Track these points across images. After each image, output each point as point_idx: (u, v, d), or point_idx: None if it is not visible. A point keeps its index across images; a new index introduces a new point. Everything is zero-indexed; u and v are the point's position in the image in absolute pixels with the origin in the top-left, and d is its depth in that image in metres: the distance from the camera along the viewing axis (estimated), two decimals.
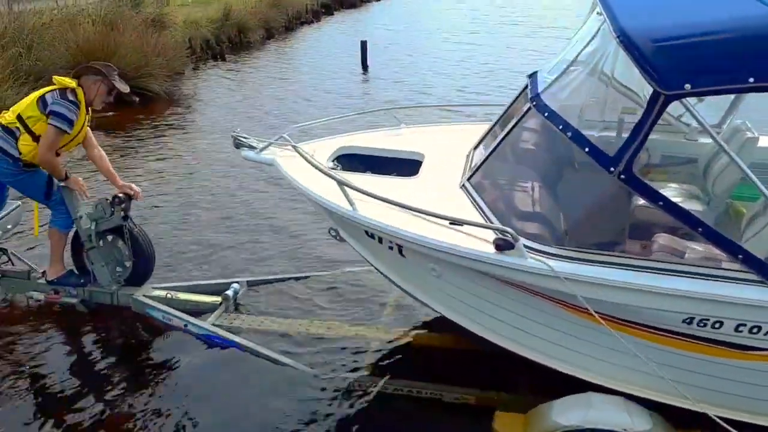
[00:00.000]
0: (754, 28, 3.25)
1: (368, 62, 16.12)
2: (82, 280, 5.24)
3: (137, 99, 13.33)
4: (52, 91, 4.70)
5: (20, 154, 4.70)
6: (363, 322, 5.14)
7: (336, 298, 5.50)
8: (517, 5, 22.89)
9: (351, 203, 4.01)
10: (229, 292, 5.26)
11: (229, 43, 19.34)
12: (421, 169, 4.62)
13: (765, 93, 3.20)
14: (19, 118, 4.66)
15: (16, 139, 4.68)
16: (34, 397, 4.44)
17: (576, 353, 3.84)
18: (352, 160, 4.91)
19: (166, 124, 11.87)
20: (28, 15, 13.28)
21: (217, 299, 5.25)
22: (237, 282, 5.43)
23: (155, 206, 7.61)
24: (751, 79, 3.09)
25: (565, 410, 3.68)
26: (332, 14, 26.52)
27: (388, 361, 4.73)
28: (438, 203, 3.94)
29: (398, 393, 4.38)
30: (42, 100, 4.65)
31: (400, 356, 4.80)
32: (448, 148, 4.85)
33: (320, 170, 4.22)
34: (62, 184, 4.96)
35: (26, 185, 4.92)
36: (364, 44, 16.19)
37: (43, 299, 5.27)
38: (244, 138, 4.88)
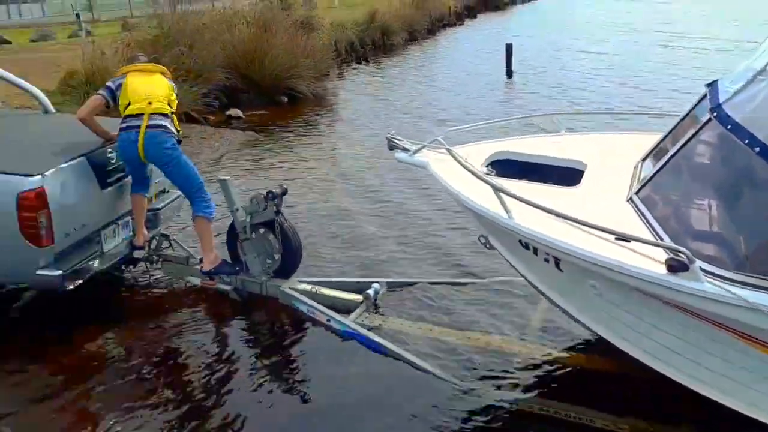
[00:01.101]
0: None
1: (513, 66, 15.80)
2: (236, 268, 5.48)
3: (286, 99, 13.92)
4: (165, 75, 5.38)
5: (178, 132, 5.19)
6: (507, 335, 4.95)
7: (479, 307, 5.35)
8: (676, 13, 21.57)
9: (507, 210, 3.87)
10: (370, 292, 5.28)
11: (372, 45, 19.74)
12: (582, 179, 4.39)
13: None
14: (170, 104, 5.19)
15: (172, 120, 5.16)
16: (178, 377, 4.65)
17: (754, 391, 3.46)
18: (507, 166, 4.76)
19: (312, 124, 12.28)
20: (190, 16, 14.17)
21: (358, 297, 5.29)
22: (378, 282, 5.44)
23: (301, 203, 7.84)
24: None
25: None
26: (475, 17, 26.33)
27: (532, 379, 4.52)
28: (602, 216, 3.70)
29: (543, 413, 4.15)
30: (171, 85, 5.33)
31: (547, 375, 4.57)
32: (613, 158, 4.58)
33: (475, 175, 4.11)
34: (222, 177, 5.20)
35: (181, 166, 5.15)
36: (509, 47, 15.89)
37: (199, 284, 5.57)
38: (398, 140, 4.89)
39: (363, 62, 18.42)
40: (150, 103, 5.03)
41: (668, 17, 20.08)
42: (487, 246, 4.45)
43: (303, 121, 12.43)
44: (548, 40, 18.73)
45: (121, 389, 4.45)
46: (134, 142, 4.99)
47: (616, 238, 3.52)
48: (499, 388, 4.40)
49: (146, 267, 5.83)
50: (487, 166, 4.77)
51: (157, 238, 5.77)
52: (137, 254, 5.65)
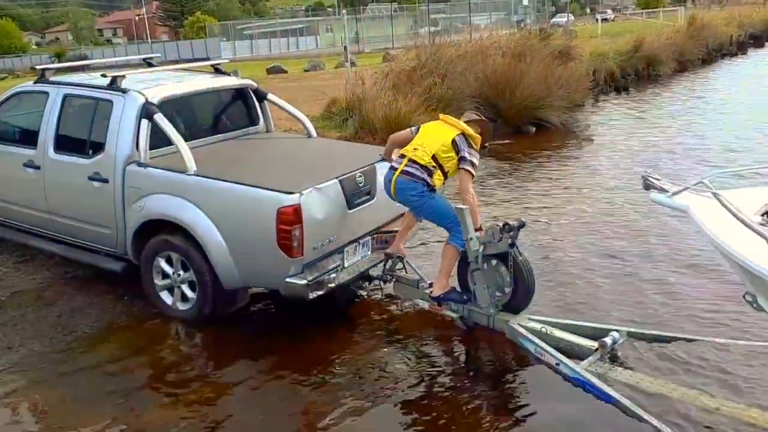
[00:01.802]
0: None
1: None
2: (464, 297, 5.42)
3: (533, 129, 13.70)
4: (459, 135, 5.28)
5: (434, 186, 5.29)
6: (761, 408, 4.21)
7: (730, 372, 4.63)
8: None
9: None
10: (608, 340, 4.83)
11: (635, 75, 18.65)
12: None
13: None
14: (434, 158, 5.24)
15: (431, 174, 5.25)
16: (390, 390, 4.70)
17: None
18: None
19: (558, 156, 11.89)
20: (446, 47, 14.67)
21: (594, 344, 4.87)
22: (617, 330, 4.97)
23: (538, 237, 7.56)
24: None
25: None
26: (762, 46, 23.53)
27: None
28: None
29: None
30: (454, 144, 5.24)
31: None
32: None
33: (746, 224, 3.55)
34: (460, 206, 5.18)
35: (431, 207, 5.35)
36: None
37: (427, 307, 5.60)
38: (656, 179, 4.45)
39: (623, 92, 17.44)
40: (415, 149, 5.31)
41: None
42: (754, 305, 3.84)
43: (549, 153, 12.08)
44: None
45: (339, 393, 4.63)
46: (389, 182, 5.35)
47: None
48: None
49: (380, 285, 6.02)
50: (762, 215, 4.11)
51: (393, 259, 5.95)
52: (373, 272, 5.88)
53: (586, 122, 14.46)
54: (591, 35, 22.12)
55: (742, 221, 3.60)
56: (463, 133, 5.30)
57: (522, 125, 13.63)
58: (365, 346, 5.36)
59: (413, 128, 5.64)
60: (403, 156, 5.38)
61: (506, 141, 12.67)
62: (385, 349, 5.28)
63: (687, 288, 6.15)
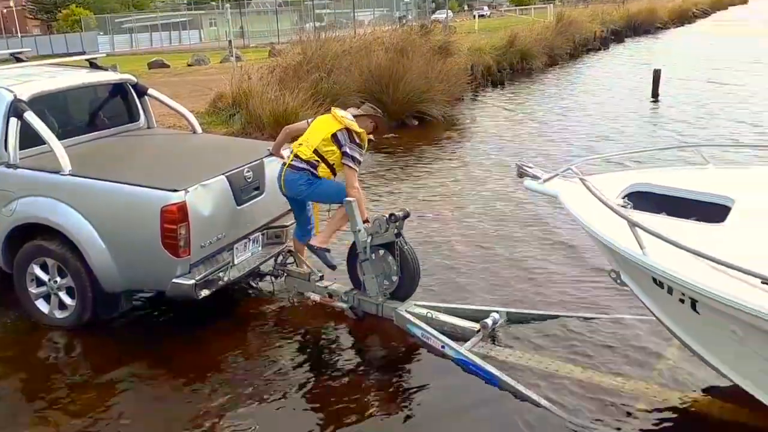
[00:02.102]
0: None
1: (660, 93, 14.95)
2: (332, 263, 5.72)
3: (416, 122, 14.07)
4: (341, 130, 5.41)
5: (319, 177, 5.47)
6: (630, 377, 4.62)
7: (602, 345, 5.03)
8: None
9: (641, 246, 3.61)
10: (489, 321, 5.12)
11: (510, 69, 19.53)
12: (729, 216, 4.02)
13: None
14: (316, 152, 5.40)
15: (315, 167, 5.43)
16: (280, 395, 4.67)
17: None
18: (645, 199, 4.46)
19: (441, 147, 12.30)
20: (331, 42, 14.76)
21: (476, 326, 5.14)
22: (497, 311, 5.27)
23: (420, 226, 7.82)
24: None
25: None
26: (623, 41, 25.34)
27: (653, 423, 4.18)
28: (749, 257, 3.34)
29: None
30: (335, 139, 5.39)
31: (674, 423, 4.20)
32: (765, 194, 4.15)
33: (609, 207, 3.88)
34: (348, 199, 5.29)
35: (321, 189, 5.50)
36: (657, 73, 15.06)
37: (318, 300, 5.68)
38: (529, 167, 4.75)
39: (499, 86, 18.24)
40: (300, 144, 5.49)
41: None
42: (618, 281, 4.21)
43: (431, 144, 12.47)
44: (700, 67, 17.57)
45: (237, 392, 4.61)
46: (279, 177, 5.54)
47: (762, 282, 3.19)
48: (618, 429, 4.09)
49: (271, 281, 6.02)
50: (623, 198, 4.50)
51: (283, 253, 5.97)
52: (264, 268, 5.88)
53: (465, 114, 15.02)
54: (469, 31, 22.93)
55: (605, 204, 3.92)
56: (347, 129, 5.42)
57: (405, 119, 13.97)
58: (257, 343, 5.36)
59: (309, 120, 5.75)
60: (290, 154, 5.52)
61: (391, 134, 12.94)
62: (278, 344, 5.30)
63: (561, 268, 6.60)
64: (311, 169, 5.40)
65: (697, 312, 3.58)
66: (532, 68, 20.06)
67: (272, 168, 5.69)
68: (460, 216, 8.32)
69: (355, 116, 5.60)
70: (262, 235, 5.84)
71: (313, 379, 4.80)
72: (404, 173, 10.42)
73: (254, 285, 6.09)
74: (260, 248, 5.83)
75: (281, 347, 5.25)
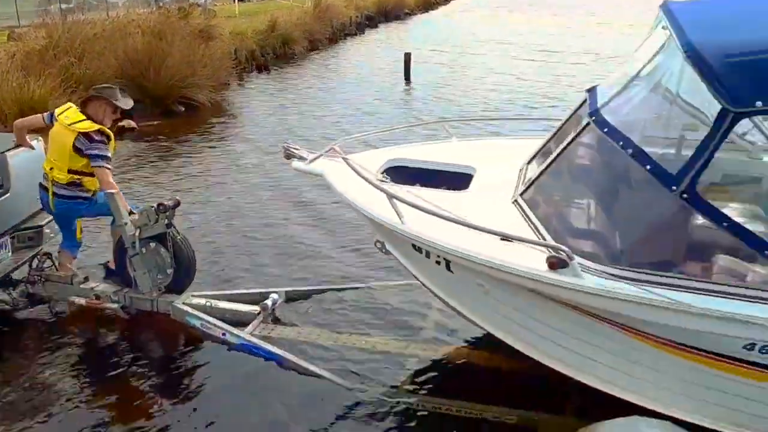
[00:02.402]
0: None
1: (411, 75, 16.09)
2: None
3: (183, 109, 13.54)
4: (77, 138, 5.04)
5: (91, 192, 5.22)
6: (403, 338, 5.03)
7: (375, 312, 5.40)
8: (564, 21, 22.61)
9: (399, 216, 3.92)
10: (268, 302, 5.21)
11: (273, 54, 19.56)
12: (472, 183, 4.52)
13: None
14: (72, 171, 5.10)
15: (79, 185, 5.16)
16: (64, 402, 4.41)
17: (627, 376, 3.68)
18: (401, 173, 4.83)
19: (209, 134, 12.00)
20: (80, 25, 13.63)
21: (256, 309, 5.20)
22: (276, 292, 5.38)
23: (192, 214, 7.63)
24: None
25: None
26: (377, 26, 26.67)
27: (427, 378, 4.61)
28: (489, 218, 3.82)
29: (436, 411, 4.25)
30: (77, 150, 5.05)
31: (441, 374, 4.67)
32: (500, 163, 4.73)
33: (369, 182, 4.15)
34: (110, 191, 4.99)
35: (98, 208, 5.30)
36: (407, 56, 16.18)
37: (84, 303, 5.29)
38: (295, 149, 4.87)
39: (264, 71, 18.20)
40: (52, 169, 5.11)
41: (550, 30, 21.03)
42: (384, 251, 4.50)
43: (199, 131, 12.12)
44: (445, 50, 19.23)
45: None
46: (47, 204, 5.25)
47: (501, 239, 3.65)
48: (396, 390, 4.45)
49: (26, 288, 5.46)
50: (382, 173, 4.82)
51: (39, 256, 5.45)
52: (18, 275, 5.33)
53: (232, 99, 14.80)
54: (229, 15, 22.48)
55: (366, 180, 4.18)
56: (81, 133, 5.04)
57: (171, 105, 13.36)
58: (19, 360, 4.86)
59: (47, 114, 5.27)
60: (46, 176, 5.16)
61: (155, 122, 12.32)
62: (41, 361, 4.83)
63: (332, 243, 6.88)
64: (80, 193, 5.13)
65: (451, 271, 3.99)
66: (294, 53, 20.32)
67: (18, 162, 5.16)
68: (228, 202, 8.24)
69: (84, 102, 5.23)
70: (12, 238, 5.28)
71: (84, 390, 4.51)
72: (166, 162, 10.01)
73: (8, 296, 5.47)
74: (10, 253, 5.26)
75: (46, 365, 4.79)
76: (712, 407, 3.57)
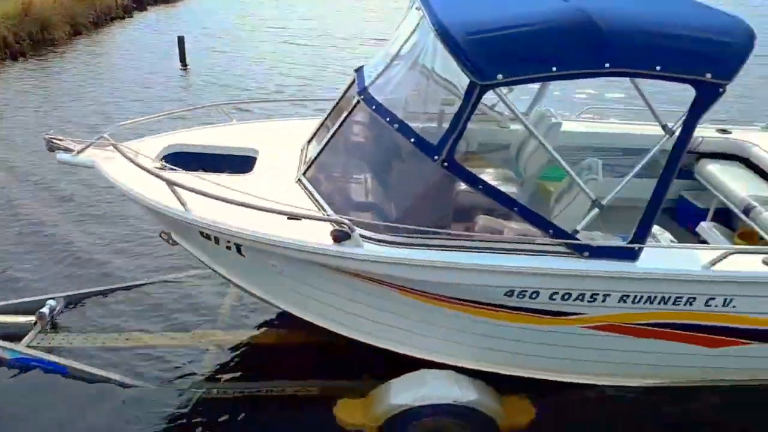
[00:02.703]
0: (555, 22, 3.56)
1: (187, 59, 15.50)
2: None
3: None
4: None
5: None
6: (197, 328, 4.96)
7: (164, 307, 5.24)
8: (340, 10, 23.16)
9: (183, 203, 3.85)
10: (45, 310, 4.82)
11: (30, 41, 17.64)
12: (255, 165, 4.55)
13: (566, 80, 3.56)
14: None
15: None
16: None
17: (409, 333, 4.03)
18: (181, 159, 4.70)
19: None
20: None
21: (32, 318, 4.79)
22: (53, 298, 4.98)
23: None
24: (554, 68, 3.41)
25: (401, 390, 3.88)
26: (145, 9, 25.15)
27: (227, 365, 4.63)
28: (275, 199, 3.90)
29: (238, 396, 4.30)
30: None
31: (240, 359, 4.71)
32: (282, 143, 4.81)
33: (146, 170, 4.00)
34: None
35: None
36: (181, 40, 15.51)
37: None
38: (59, 140, 4.47)
39: (21, 58, 16.35)
40: None
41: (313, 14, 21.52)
42: (170, 242, 4.40)
43: None
44: (220, 32, 18.77)
45: None
46: None
47: (288, 218, 3.76)
48: (195, 381, 4.43)
49: None
50: (160, 161, 4.66)
51: None
52: None
53: None
54: None
55: (142, 168, 4.01)
56: None
57: None
58: None
59: None
60: None
61: None
62: None
63: (110, 239, 6.45)
64: None
65: (243, 255, 4.02)
66: (55, 39, 18.51)
67: None
68: None
69: None
70: None
71: None
72: None
73: None
74: None
75: None
76: (486, 352, 4.05)
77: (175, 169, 4.36)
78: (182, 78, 14.75)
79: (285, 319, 4.57)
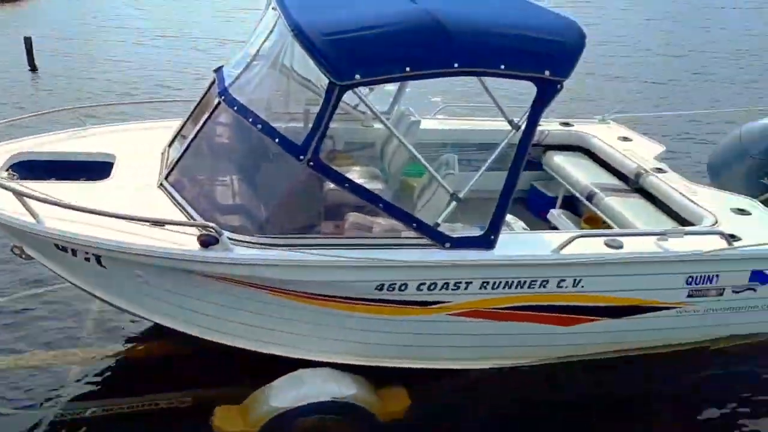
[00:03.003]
0: (407, 23, 3.69)
1: (36, 61, 14.44)
2: None
3: None
4: None
5: None
6: (60, 347, 4.69)
7: (23, 325, 4.90)
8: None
9: (34, 215, 3.63)
10: None
11: None
12: (113, 171, 4.36)
13: (420, 80, 3.72)
14: None
15: None
16: None
17: (285, 334, 4.05)
18: (31, 168, 4.41)
19: None
20: None
21: None
22: None
23: None
24: (408, 68, 3.55)
25: (279, 392, 3.87)
26: None
27: (92, 383, 4.42)
28: (136, 205, 3.78)
29: (107, 414, 4.11)
30: None
31: (108, 375, 4.51)
32: (142, 147, 4.64)
33: None
34: None
35: None
36: (28, 41, 14.41)
37: None
38: None
39: None
40: None
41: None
42: (23, 256, 4.12)
43: None
44: (72, 33, 17.61)
45: None
46: None
47: (151, 225, 3.65)
48: (55, 401, 4.20)
49: None
50: (7, 170, 4.35)
51: None
52: None
53: None
54: None
55: None
56: None
57: None
58: None
59: None
60: None
61: None
62: None
63: None
64: None
65: (104, 266, 3.84)
66: None
67: None
68: None
69: None
70: None
71: None
72: None
73: None
74: None
75: None
76: (362, 346, 4.14)
77: (23, 179, 4.11)
78: (31, 82, 13.75)
79: (155, 330, 4.41)
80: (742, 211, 4.58)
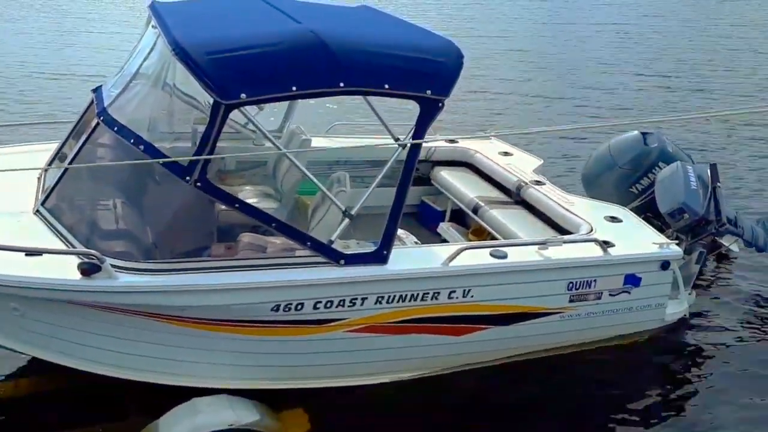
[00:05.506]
0: (293, 43, 3.71)
1: None
2: None
3: None
4: None
5: None
6: None
7: None
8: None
9: None
10: None
11: None
12: None
13: (306, 99, 3.73)
14: None
15: None
16: None
17: (177, 362, 3.91)
18: None
19: None
20: None
21: None
22: None
23: None
24: (294, 88, 3.56)
25: (173, 424, 3.69)
26: None
27: None
28: (9, 234, 3.55)
29: None
30: None
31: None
32: (13, 171, 4.35)
33: None
34: None
35: None
36: None
37: None
38: None
39: None
40: None
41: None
42: None
43: None
44: None
45: None
46: None
47: (26, 255, 3.45)
48: None
49: None
50: None
51: None
52: None
53: None
54: None
55: None
56: None
57: None
58: None
59: None
60: None
61: None
62: None
63: None
64: None
65: None
66: None
67: None
68: None
69: None
70: None
71: None
72: None
73: None
74: None
75: None
76: (259, 369, 4.05)
77: None
78: None
79: (35, 365, 4.11)
80: (614, 219, 4.91)
